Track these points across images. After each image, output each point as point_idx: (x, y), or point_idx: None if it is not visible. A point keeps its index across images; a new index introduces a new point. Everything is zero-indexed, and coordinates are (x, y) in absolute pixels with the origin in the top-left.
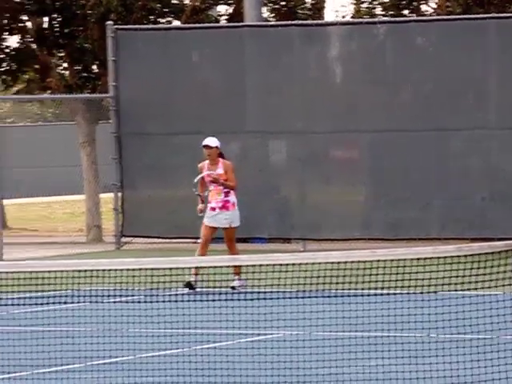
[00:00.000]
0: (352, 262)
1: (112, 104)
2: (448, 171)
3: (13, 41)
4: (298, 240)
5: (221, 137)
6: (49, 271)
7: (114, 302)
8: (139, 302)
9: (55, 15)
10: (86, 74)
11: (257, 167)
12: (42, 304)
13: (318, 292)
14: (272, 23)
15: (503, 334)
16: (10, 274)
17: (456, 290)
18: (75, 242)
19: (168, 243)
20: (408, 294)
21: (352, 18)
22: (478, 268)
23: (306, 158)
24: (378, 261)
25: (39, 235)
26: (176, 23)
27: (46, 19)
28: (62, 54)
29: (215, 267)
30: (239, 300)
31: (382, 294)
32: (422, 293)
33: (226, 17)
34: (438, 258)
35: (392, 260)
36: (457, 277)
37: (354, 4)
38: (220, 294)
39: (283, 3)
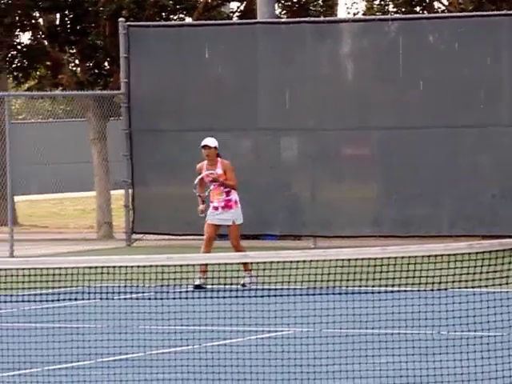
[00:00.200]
0: (362, 259)
1: (123, 101)
2: (459, 168)
3: (25, 37)
4: (309, 237)
5: (232, 133)
6: (59, 268)
7: (125, 299)
8: (149, 298)
9: (67, 12)
10: (97, 71)
11: (268, 164)
12: (52, 301)
13: (329, 289)
14: (284, 20)
15: None
16: (21, 270)
17: (466, 287)
18: (86, 238)
19: (179, 240)
20: (419, 291)
21: (364, 14)
22: (489, 265)
23: (318, 155)
24: (389, 258)
25: (50, 232)
26: (188, 20)
27: (57, 16)
28: (74, 51)
29: (225, 264)
30: (249, 297)
31: (392, 292)
32: (432, 290)
33: (239, 14)
34: (449, 255)
35: (403, 257)
36: (467, 274)
37: (366, 1)
38: (230, 291)
39: (295, 0)
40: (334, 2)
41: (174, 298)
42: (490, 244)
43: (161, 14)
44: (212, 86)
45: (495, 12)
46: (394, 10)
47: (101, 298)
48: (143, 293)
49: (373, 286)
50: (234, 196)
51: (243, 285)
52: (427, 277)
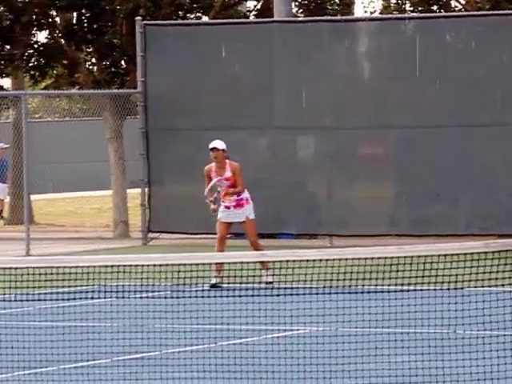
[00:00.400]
0: (379, 258)
1: (140, 99)
2: (476, 167)
3: (41, 36)
4: (325, 236)
5: (249, 132)
6: (76, 266)
7: (141, 298)
8: (165, 297)
9: (84, 10)
10: (114, 70)
11: (284, 163)
12: (68, 299)
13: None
14: (301, 19)
15: None
16: (37, 269)
17: (483, 286)
18: (102, 237)
19: (195, 239)
20: (435, 290)
21: (381, 13)
22: (505, 264)
23: (334, 153)
24: (405, 257)
25: (66, 230)
26: (205, 19)
27: (74, 14)
28: (91, 50)
29: (241, 263)
30: (265, 296)
31: (408, 291)
32: (448, 289)
33: (255, 12)
34: (465, 254)
35: (419, 256)
36: (483, 273)
37: (383, 0)
38: (246, 289)
39: None
40: (351, 0)
41: (190, 297)
42: (506, 243)
43: (177, 13)
44: (229, 84)
45: None
46: (411, 8)
47: (117, 297)
48: (159, 291)
49: (389, 285)
50: (245, 194)
51: (269, 283)
52: (443, 276)
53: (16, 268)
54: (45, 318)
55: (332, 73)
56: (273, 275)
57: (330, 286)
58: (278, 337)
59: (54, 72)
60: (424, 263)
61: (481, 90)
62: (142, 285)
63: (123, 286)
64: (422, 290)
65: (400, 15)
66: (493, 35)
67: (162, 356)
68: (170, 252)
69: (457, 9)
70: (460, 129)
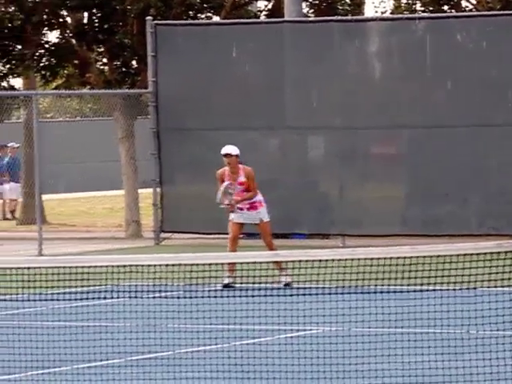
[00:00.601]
0: (391, 258)
1: (151, 99)
2: (487, 167)
3: (52, 36)
4: (337, 236)
5: (260, 132)
6: (88, 266)
7: (154, 298)
8: (178, 297)
9: (95, 10)
10: (125, 70)
11: (296, 163)
12: (81, 299)
13: (357, 288)
14: (312, 19)
15: None
16: (50, 269)
17: (496, 287)
18: (114, 237)
19: (207, 239)
20: (447, 290)
21: (392, 13)
22: None
23: (345, 153)
24: (418, 257)
25: (78, 230)
26: (215, 19)
27: (85, 14)
28: (102, 50)
29: (254, 263)
30: (278, 296)
31: (421, 291)
32: (461, 289)
33: (266, 12)
34: (478, 254)
35: (431, 256)
36: (496, 273)
37: (394, 0)
38: (259, 289)
39: None
40: (361, 0)
41: (203, 297)
42: None
43: (188, 13)
44: (239, 84)
45: None
46: (422, 8)
47: (129, 297)
48: (172, 291)
49: (401, 285)
50: (258, 197)
51: (287, 284)
52: (456, 276)
53: (29, 268)
54: (58, 318)
55: (343, 73)
56: (290, 275)
57: (343, 286)
58: (291, 337)
59: (65, 72)
60: (437, 263)
61: (492, 90)
62: (154, 285)
63: (136, 285)
64: (434, 290)
65: (411, 15)
66: (504, 35)
67: (174, 356)
68: (182, 252)
69: (467, 9)
70: (471, 129)
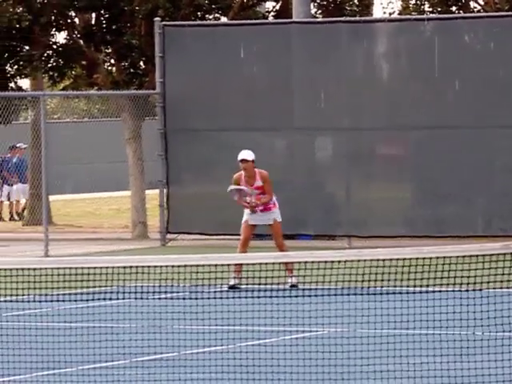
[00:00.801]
0: (397, 259)
1: (159, 100)
2: (494, 168)
3: (60, 37)
4: (343, 237)
5: (267, 133)
6: (94, 267)
7: (159, 299)
8: (184, 298)
9: (103, 11)
10: (132, 71)
11: (302, 164)
12: (87, 300)
13: (363, 289)
14: (320, 20)
15: None
16: (56, 270)
17: (502, 288)
18: (120, 238)
19: (213, 240)
20: (453, 291)
21: (400, 14)
22: None
23: (352, 154)
24: (424, 258)
25: (84, 231)
26: (223, 19)
27: (93, 15)
28: (109, 51)
29: (260, 264)
30: (284, 297)
31: (427, 292)
32: (467, 290)
33: (274, 13)
34: (484, 255)
35: (438, 257)
36: (503, 274)
37: (402, 1)
38: (265, 290)
39: (331, 0)
40: (369, 1)
41: (209, 298)
42: None
43: (196, 14)
44: (247, 85)
45: None
46: (430, 9)
47: (135, 298)
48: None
49: (407, 286)
50: (272, 199)
51: (294, 286)
52: (462, 277)
53: (35, 269)
54: (63, 319)
55: (350, 74)
56: (295, 276)
57: (349, 287)
58: (297, 338)
59: (73, 73)
60: (443, 264)
61: (499, 91)
62: (160, 286)
63: (142, 286)
64: (440, 291)
65: (419, 16)
66: (511, 36)
67: (180, 357)
68: (188, 253)
69: (476, 10)
70: (479, 130)
